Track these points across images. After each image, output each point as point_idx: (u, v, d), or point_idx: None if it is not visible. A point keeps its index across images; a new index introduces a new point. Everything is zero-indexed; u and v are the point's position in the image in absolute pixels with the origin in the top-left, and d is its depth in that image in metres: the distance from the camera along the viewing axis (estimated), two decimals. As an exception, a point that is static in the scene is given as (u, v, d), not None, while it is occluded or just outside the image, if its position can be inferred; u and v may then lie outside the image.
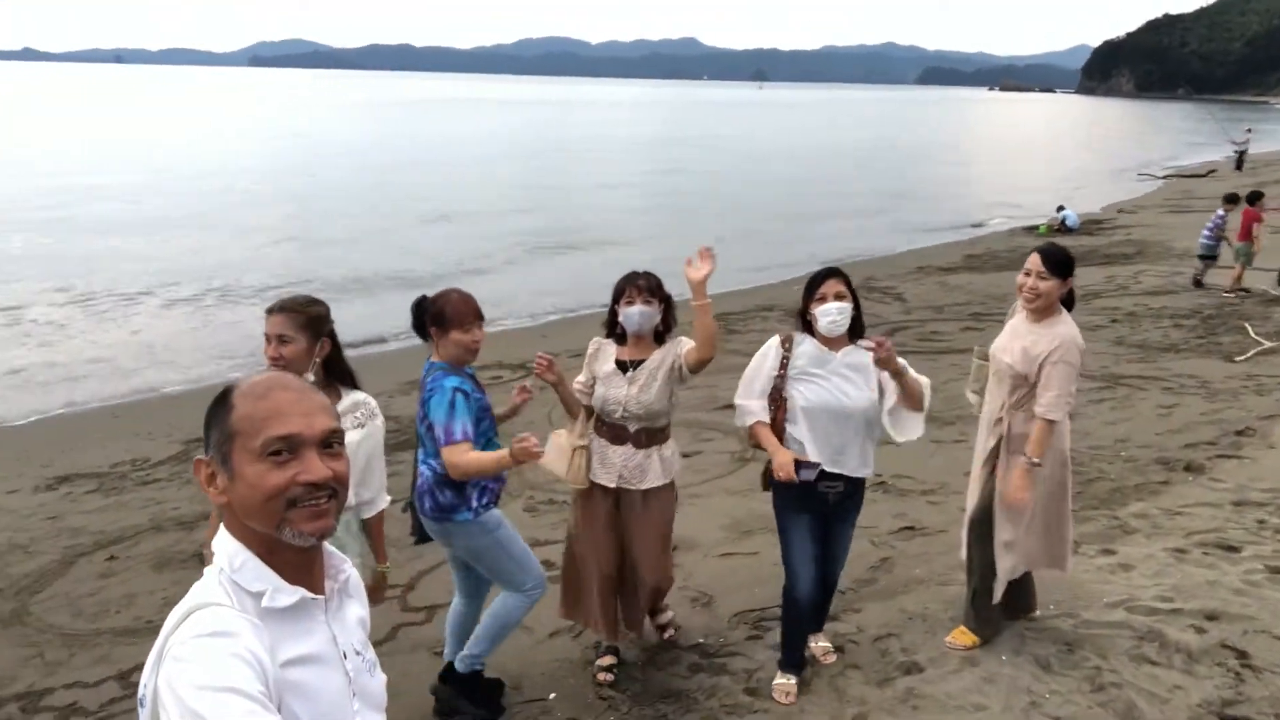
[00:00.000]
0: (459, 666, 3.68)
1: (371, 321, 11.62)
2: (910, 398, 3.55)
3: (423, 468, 3.44)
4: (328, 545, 1.55)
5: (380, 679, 1.60)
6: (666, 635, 4.24)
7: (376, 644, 4.17)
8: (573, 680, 3.99)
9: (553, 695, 3.87)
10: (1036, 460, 3.70)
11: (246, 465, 1.41)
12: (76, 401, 9.24)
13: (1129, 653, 3.88)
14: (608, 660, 4.00)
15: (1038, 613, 4.20)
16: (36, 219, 19.40)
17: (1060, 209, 19.35)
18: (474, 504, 3.43)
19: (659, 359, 3.74)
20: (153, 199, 22.88)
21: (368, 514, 3.18)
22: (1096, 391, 7.92)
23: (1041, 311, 3.82)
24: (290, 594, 1.42)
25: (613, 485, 3.77)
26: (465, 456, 3.26)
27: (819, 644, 4.05)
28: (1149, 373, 8.46)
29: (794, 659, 3.81)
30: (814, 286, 3.60)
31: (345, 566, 1.58)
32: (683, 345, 3.77)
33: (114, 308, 12.73)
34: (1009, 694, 3.64)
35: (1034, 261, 3.81)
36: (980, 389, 4.10)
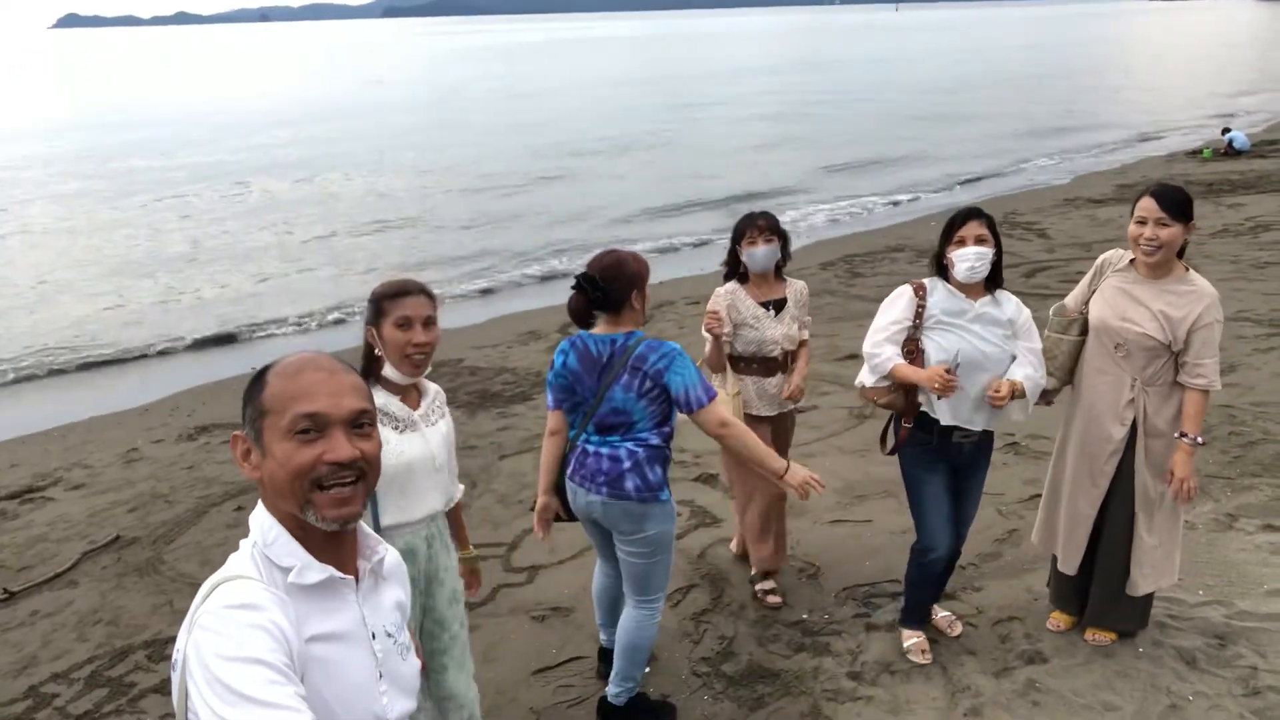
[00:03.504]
0: (614, 700, 3.41)
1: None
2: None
3: (621, 448, 3.10)
4: (363, 526, 1.57)
5: (414, 664, 1.62)
6: (771, 601, 4.17)
7: (476, 606, 4.22)
8: (667, 654, 3.86)
9: (647, 670, 3.75)
10: (1202, 439, 3.28)
11: (276, 442, 1.44)
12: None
13: (1292, 651, 3.44)
14: (769, 584, 4.19)
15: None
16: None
17: (1226, 130, 17.56)
18: (668, 485, 3.22)
19: (795, 301, 4.00)
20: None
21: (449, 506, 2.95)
22: (1265, 339, 7.12)
23: (1162, 265, 3.30)
24: (319, 571, 1.45)
25: (773, 413, 3.99)
26: (739, 424, 3.12)
27: (941, 614, 3.83)
28: (1329, 317, 7.56)
29: (922, 614, 3.71)
30: (953, 228, 3.32)
31: (380, 548, 1.59)
32: (800, 288, 4.07)
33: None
34: (1145, 693, 3.28)
35: (1149, 206, 3.25)
36: (1059, 367, 3.51)
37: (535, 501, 3.42)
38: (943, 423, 3.35)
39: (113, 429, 7.55)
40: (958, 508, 3.55)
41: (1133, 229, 3.32)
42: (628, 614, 3.32)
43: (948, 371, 3.20)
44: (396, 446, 2.59)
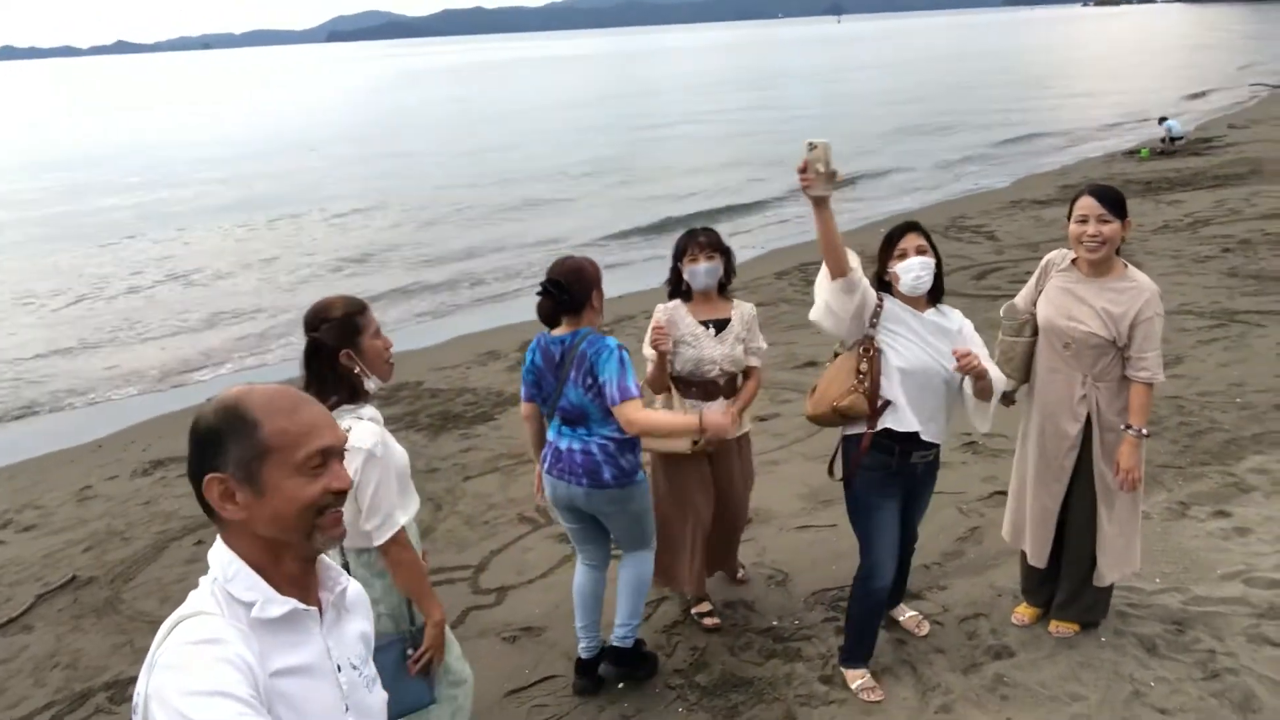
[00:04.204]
0: (622, 644, 3.70)
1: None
2: (984, 390, 3.28)
3: (591, 443, 3.38)
4: (323, 557, 1.58)
5: (380, 695, 1.61)
6: (740, 575, 4.40)
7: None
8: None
9: (621, 685, 3.75)
10: (1146, 431, 3.36)
11: (285, 479, 1.43)
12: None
13: (1247, 633, 3.53)
14: (706, 606, 4.13)
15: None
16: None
17: (1163, 119, 18.16)
18: (640, 464, 3.51)
19: (739, 321, 3.86)
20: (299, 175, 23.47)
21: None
22: (1207, 330, 7.34)
23: (1103, 262, 3.41)
24: (281, 604, 1.44)
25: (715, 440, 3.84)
26: (645, 414, 3.27)
27: (909, 614, 3.88)
28: (1267, 307, 7.78)
29: (865, 652, 3.59)
30: (892, 242, 3.32)
31: (342, 579, 1.59)
32: (748, 310, 3.94)
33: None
34: (1109, 682, 3.36)
35: (1089, 205, 3.36)
36: (1015, 369, 3.59)
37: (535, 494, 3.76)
38: (902, 429, 3.28)
39: (65, 467, 7.37)
40: (904, 526, 3.52)
41: (1074, 228, 3.41)
42: (627, 560, 3.66)
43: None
44: (396, 446, 2.70)
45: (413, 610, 2.75)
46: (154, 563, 5.43)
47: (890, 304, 3.33)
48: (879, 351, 3.30)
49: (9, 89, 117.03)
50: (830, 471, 3.54)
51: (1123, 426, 3.39)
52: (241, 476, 1.43)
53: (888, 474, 3.35)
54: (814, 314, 3.33)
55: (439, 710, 2.82)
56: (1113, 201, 3.35)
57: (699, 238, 3.82)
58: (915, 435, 3.29)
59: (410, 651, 2.69)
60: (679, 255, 3.85)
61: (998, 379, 3.31)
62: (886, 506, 3.39)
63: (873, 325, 3.30)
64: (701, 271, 3.78)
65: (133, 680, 4.19)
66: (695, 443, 3.73)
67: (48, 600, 5.05)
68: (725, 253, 3.86)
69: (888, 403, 3.29)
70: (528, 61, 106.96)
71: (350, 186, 20.85)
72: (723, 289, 3.92)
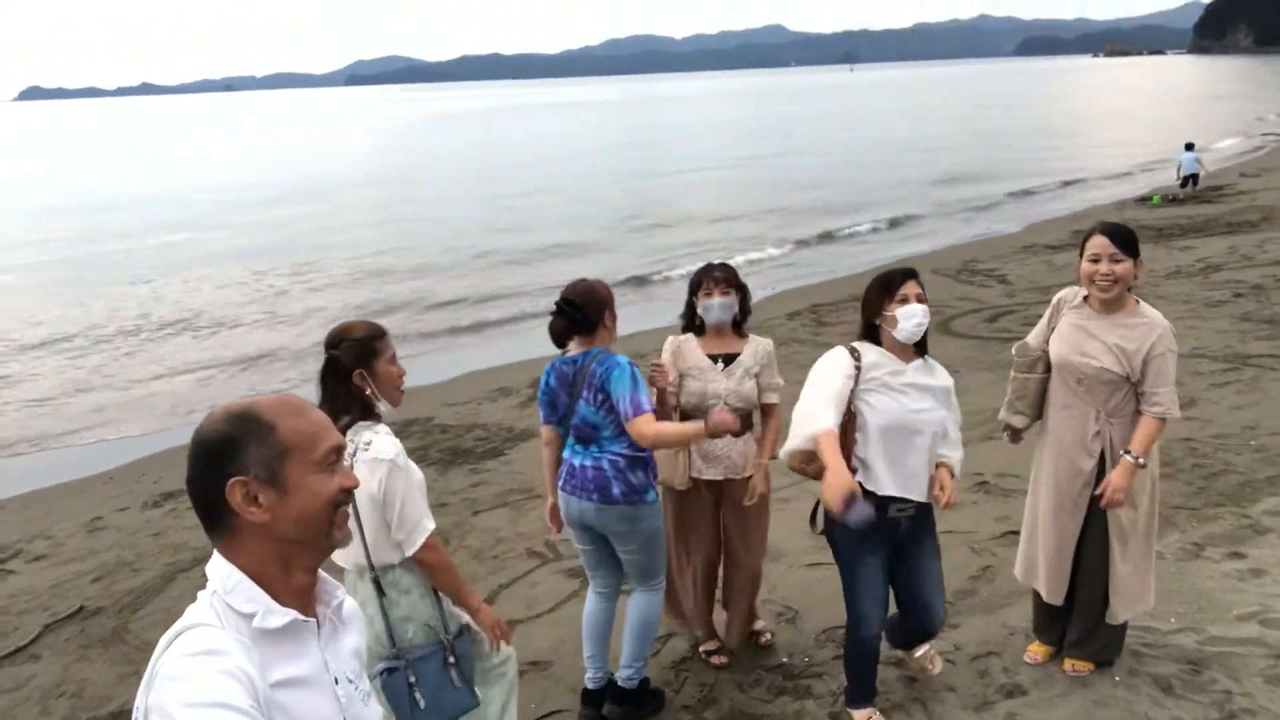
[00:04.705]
0: (627, 684, 3.69)
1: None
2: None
3: (603, 459, 3.44)
4: (322, 572, 1.59)
5: (376, 710, 1.62)
6: (764, 641, 4.18)
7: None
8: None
9: (626, 717, 3.71)
10: (1143, 461, 3.35)
11: (309, 476, 1.47)
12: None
13: (1264, 673, 3.48)
14: (713, 645, 4.09)
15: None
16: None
17: (1189, 146, 18.88)
18: (653, 483, 3.52)
19: (751, 356, 3.80)
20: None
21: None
22: (1221, 374, 7.31)
23: (1116, 300, 3.40)
24: (281, 615, 1.44)
25: (720, 478, 3.80)
26: (655, 426, 3.31)
27: (921, 650, 3.74)
28: (1280, 351, 7.78)
29: (868, 692, 3.53)
30: (893, 286, 3.19)
31: (339, 592, 1.61)
32: (763, 346, 3.86)
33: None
34: (1125, 721, 3.31)
35: (1101, 244, 3.36)
36: (1028, 406, 3.58)
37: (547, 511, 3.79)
38: (879, 493, 3.18)
39: (76, 497, 7.40)
40: (917, 589, 3.39)
41: (1086, 267, 3.41)
42: (636, 598, 3.66)
43: (849, 506, 2.88)
44: (413, 464, 2.80)
45: (446, 618, 2.79)
46: (162, 593, 5.43)
47: (873, 354, 3.22)
48: (854, 414, 3.19)
49: (36, 129, 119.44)
50: (812, 524, 3.43)
51: (1123, 451, 3.37)
52: (265, 477, 1.45)
53: (867, 532, 3.18)
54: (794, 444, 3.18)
55: (493, 690, 2.98)
56: (1125, 240, 3.36)
57: (714, 273, 3.79)
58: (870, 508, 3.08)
59: (451, 660, 2.74)
60: (694, 289, 3.83)
61: (960, 458, 3.33)
62: (869, 561, 3.30)
63: (852, 391, 3.18)
64: (715, 306, 3.74)
65: (138, 710, 4.22)
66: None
67: (55, 630, 5.04)
68: (741, 289, 3.81)
69: (857, 467, 3.17)
70: (549, 106, 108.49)
71: (367, 233, 20.95)
72: (738, 326, 3.87)
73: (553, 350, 3.58)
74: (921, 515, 3.32)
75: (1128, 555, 3.47)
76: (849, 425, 3.19)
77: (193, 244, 20.63)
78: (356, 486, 1.54)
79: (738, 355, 3.79)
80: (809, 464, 3.18)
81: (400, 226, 21.34)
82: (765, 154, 34.47)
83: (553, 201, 24.39)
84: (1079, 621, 3.62)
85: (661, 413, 3.74)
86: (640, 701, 3.71)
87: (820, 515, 3.38)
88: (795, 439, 3.15)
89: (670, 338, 3.89)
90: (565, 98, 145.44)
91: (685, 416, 3.77)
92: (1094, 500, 3.45)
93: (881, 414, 3.17)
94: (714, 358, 3.78)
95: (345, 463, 1.58)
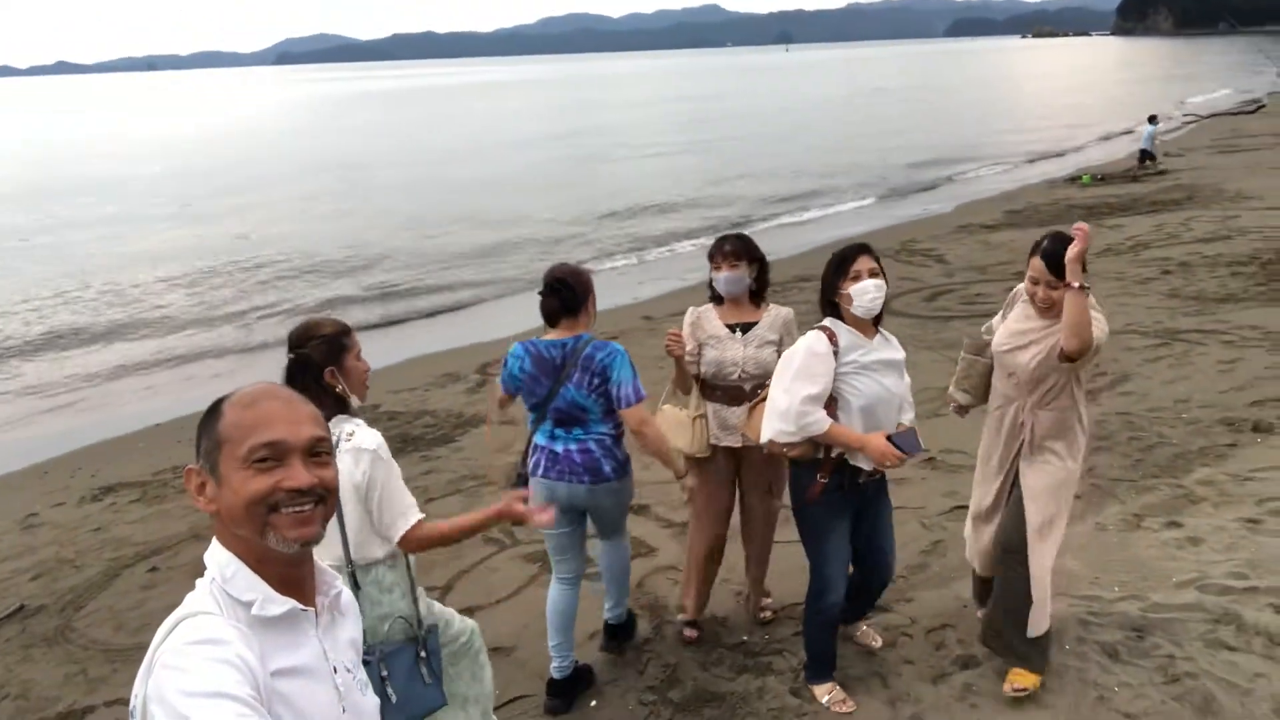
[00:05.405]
0: (617, 620, 4.05)
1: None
2: None
3: (589, 441, 3.53)
4: (319, 561, 1.57)
5: (373, 700, 1.62)
6: (764, 616, 4.26)
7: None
8: (611, 686, 3.85)
9: (594, 703, 3.74)
10: (1086, 284, 3.20)
11: (233, 472, 1.43)
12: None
13: (1203, 638, 3.64)
14: (693, 617, 4.18)
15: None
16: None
17: (1153, 118, 19.67)
18: (629, 456, 3.66)
19: (768, 325, 3.80)
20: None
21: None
22: (1152, 349, 7.57)
23: (1055, 310, 3.38)
24: (280, 604, 1.43)
25: (738, 445, 3.80)
26: (650, 416, 3.47)
27: (861, 630, 3.92)
28: (1207, 326, 8.07)
29: (828, 665, 3.61)
30: (846, 263, 3.25)
31: (336, 583, 1.59)
32: (782, 315, 3.84)
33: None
34: (1075, 688, 3.43)
35: (1039, 269, 3.32)
36: (972, 386, 3.70)
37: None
38: (858, 466, 3.28)
39: (8, 493, 7.15)
40: (875, 537, 3.51)
41: (1027, 285, 3.43)
42: (610, 548, 3.84)
43: (898, 446, 3.11)
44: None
45: (420, 614, 2.78)
46: (106, 590, 5.27)
47: (845, 338, 3.25)
48: (833, 398, 3.24)
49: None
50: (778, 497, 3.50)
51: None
52: (208, 468, 1.46)
53: (840, 499, 3.34)
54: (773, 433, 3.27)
55: (461, 665, 3.02)
56: (1063, 270, 3.25)
57: (724, 246, 3.82)
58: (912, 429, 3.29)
59: (422, 654, 2.72)
60: (710, 261, 3.87)
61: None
62: (839, 529, 3.39)
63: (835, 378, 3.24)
64: (724, 279, 3.78)
65: (89, 710, 4.11)
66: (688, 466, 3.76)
67: (-6, 630, 4.88)
68: (755, 261, 3.83)
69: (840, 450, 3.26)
70: (487, 85, 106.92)
71: (307, 225, 20.37)
72: (756, 296, 3.89)
73: (500, 334, 3.57)
74: (881, 478, 3.50)
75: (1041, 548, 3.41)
76: (831, 410, 3.25)
77: (130, 233, 19.97)
78: (303, 487, 1.43)
79: (755, 325, 3.82)
80: (793, 450, 3.28)
81: (338, 221, 20.70)
82: (711, 137, 34.48)
83: (499, 187, 24.12)
84: (1009, 630, 3.52)
85: (681, 380, 3.86)
86: (631, 628, 4.13)
87: (787, 492, 3.52)
88: (785, 434, 3.23)
89: (691, 308, 3.96)
90: (502, 77, 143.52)
91: (705, 384, 3.84)
92: (1016, 505, 3.48)
93: (863, 395, 3.25)
94: (732, 327, 3.82)
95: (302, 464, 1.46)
